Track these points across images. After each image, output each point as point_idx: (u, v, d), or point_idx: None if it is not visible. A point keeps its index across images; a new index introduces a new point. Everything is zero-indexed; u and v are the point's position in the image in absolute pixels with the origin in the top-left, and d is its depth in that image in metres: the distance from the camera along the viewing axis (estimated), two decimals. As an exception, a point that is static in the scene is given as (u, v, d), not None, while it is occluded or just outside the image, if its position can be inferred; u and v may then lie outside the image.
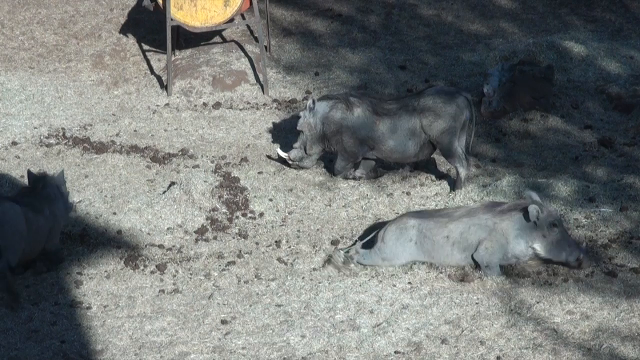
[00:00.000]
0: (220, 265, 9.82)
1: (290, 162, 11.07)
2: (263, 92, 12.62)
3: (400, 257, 9.61)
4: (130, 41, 13.47)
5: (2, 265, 8.98)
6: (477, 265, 9.47)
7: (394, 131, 10.75)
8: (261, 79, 12.66)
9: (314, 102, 10.90)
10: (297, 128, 10.95)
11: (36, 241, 9.30)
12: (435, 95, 10.64)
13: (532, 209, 9.22)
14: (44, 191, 9.45)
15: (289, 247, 10.03)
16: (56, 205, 9.49)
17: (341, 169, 10.97)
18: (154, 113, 12.31)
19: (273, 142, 11.72)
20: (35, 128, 11.85)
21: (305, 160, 11.07)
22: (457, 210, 9.63)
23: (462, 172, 10.66)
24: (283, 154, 11.07)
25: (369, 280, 9.48)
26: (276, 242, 10.13)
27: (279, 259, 9.89)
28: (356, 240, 9.92)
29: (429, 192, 10.82)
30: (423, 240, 9.54)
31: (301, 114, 10.97)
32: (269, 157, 11.30)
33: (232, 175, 10.95)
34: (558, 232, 9.32)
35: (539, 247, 9.36)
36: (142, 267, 9.81)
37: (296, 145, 11.04)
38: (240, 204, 10.56)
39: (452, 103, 10.59)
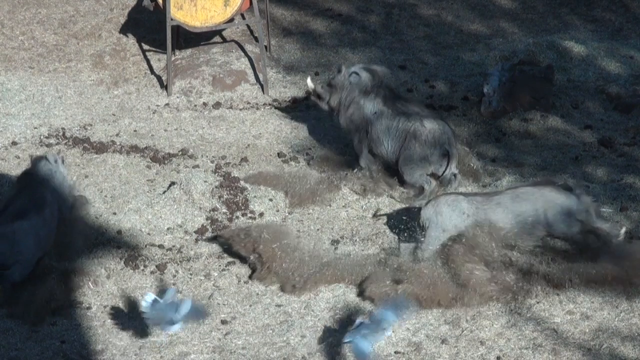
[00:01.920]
0: (220, 265, 9.82)
1: (312, 95, 11.27)
2: (263, 92, 12.62)
3: (459, 226, 9.61)
4: (130, 41, 13.47)
5: (14, 278, 9.20)
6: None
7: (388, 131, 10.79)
8: (261, 79, 12.66)
9: (359, 71, 10.95)
10: (331, 81, 11.10)
11: (49, 234, 9.51)
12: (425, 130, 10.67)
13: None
14: (42, 172, 9.72)
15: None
16: (58, 187, 9.73)
17: (357, 149, 11.00)
18: (154, 113, 12.31)
19: (273, 142, 11.73)
20: (35, 128, 11.85)
21: (322, 103, 11.20)
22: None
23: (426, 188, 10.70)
24: (311, 84, 11.25)
25: (369, 280, 9.49)
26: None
27: (279, 259, 9.88)
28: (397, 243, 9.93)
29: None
30: (475, 211, 9.58)
31: (343, 68, 11.04)
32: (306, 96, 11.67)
33: (232, 175, 10.95)
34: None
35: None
36: (142, 267, 9.81)
37: (325, 87, 11.17)
38: (240, 204, 10.56)
39: (434, 148, 10.64)
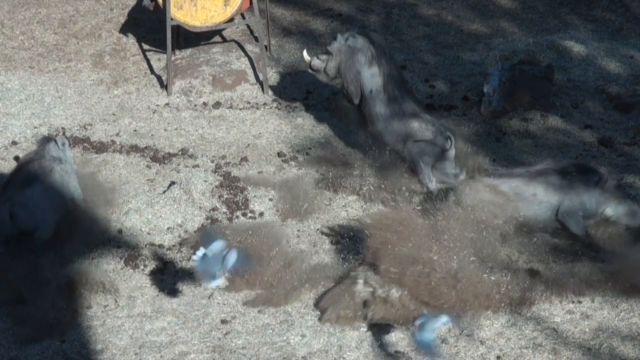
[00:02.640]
0: (220, 265, 9.81)
1: (309, 68, 11.28)
2: (263, 91, 12.62)
3: None
4: (130, 41, 13.47)
5: (42, 238, 9.59)
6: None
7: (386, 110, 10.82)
8: (261, 79, 12.66)
9: (355, 36, 10.96)
10: (327, 48, 11.09)
11: (62, 200, 9.86)
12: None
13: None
14: (51, 152, 10.09)
15: (289, 247, 10.02)
16: (66, 167, 10.09)
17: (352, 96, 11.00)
18: (154, 113, 12.31)
19: (273, 142, 11.73)
20: (35, 128, 11.85)
21: (321, 75, 11.25)
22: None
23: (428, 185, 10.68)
24: (307, 57, 11.26)
25: (369, 280, 9.48)
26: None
27: (279, 259, 9.88)
28: None
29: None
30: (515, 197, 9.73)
31: (339, 36, 11.02)
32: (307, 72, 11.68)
33: (232, 175, 10.95)
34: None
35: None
36: (142, 267, 9.81)
37: (322, 57, 11.14)
38: (240, 204, 10.56)
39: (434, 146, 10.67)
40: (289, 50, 13.48)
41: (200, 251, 8.76)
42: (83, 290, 9.39)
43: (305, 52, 11.38)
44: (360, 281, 9.09)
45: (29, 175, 9.85)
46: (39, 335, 8.85)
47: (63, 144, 10.23)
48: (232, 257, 8.70)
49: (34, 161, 9.99)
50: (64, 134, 11.67)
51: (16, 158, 10.94)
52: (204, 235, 9.24)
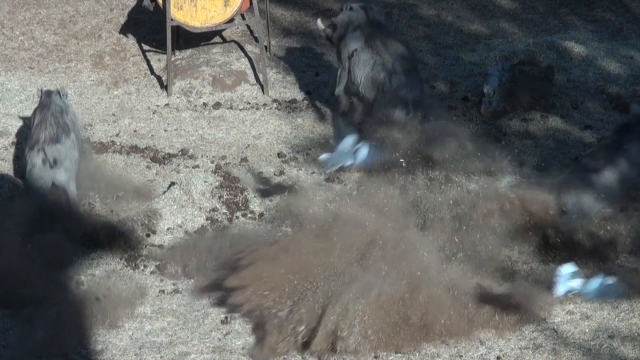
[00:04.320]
0: (220, 265, 9.82)
1: (323, 34, 11.82)
2: (263, 92, 12.62)
3: None
4: (130, 41, 13.47)
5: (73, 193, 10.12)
6: None
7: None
8: (261, 79, 12.66)
9: (354, 7, 11.52)
10: (332, 19, 11.69)
11: (78, 158, 10.45)
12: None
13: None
14: (57, 104, 10.66)
15: (289, 247, 10.01)
16: (72, 118, 10.70)
17: (339, 82, 11.52)
18: (154, 113, 12.31)
19: (273, 142, 11.73)
20: (35, 128, 11.84)
21: (330, 43, 11.82)
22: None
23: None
24: (320, 25, 11.76)
25: (369, 280, 9.47)
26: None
27: (279, 259, 9.87)
28: None
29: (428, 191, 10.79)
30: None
31: (344, 6, 11.62)
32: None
33: (232, 175, 10.95)
34: None
35: None
36: (142, 267, 9.81)
37: (331, 26, 11.67)
38: (240, 204, 10.56)
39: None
40: (289, 50, 13.48)
41: (327, 154, 8.86)
42: (83, 291, 9.40)
43: (319, 21, 11.86)
44: None
45: (53, 129, 10.39)
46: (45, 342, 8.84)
47: (65, 95, 10.73)
48: (364, 151, 8.68)
49: (49, 113, 10.51)
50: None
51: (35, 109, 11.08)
52: (336, 131, 9.32)
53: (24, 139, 11.10)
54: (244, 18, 13.29)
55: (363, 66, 11.30)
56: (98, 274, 9.68)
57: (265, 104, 12.43)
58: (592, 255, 9.47)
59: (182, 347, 8.80)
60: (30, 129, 10.67)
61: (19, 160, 11.08)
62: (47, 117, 10.47)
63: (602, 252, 9.58)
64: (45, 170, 10.15)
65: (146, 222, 10.10)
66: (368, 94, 11.29)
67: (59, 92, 10.75)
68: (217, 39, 13.50)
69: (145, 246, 10.02)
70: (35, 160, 10.20)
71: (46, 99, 10.68)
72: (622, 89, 12.37)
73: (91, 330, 8.91)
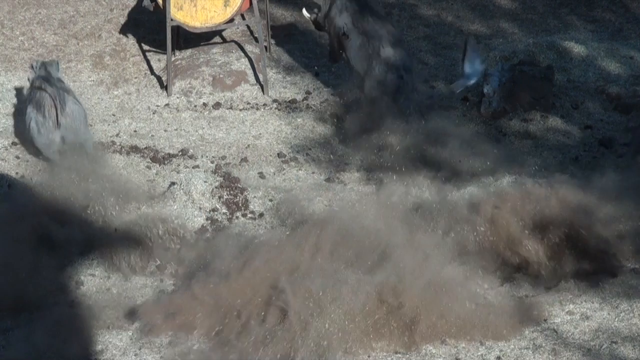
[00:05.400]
0: (220, 266, 9.80)
1: (311, 20, 12.33)
2: (263, 92, 12.62)
3: None
4: (130, 41, 13.47)
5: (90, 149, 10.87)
6: None
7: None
8: (261, 79, 12.66)
9: None
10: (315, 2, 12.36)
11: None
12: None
13: None
14: (54, 75, 11.27)
15: (289, 247, 10.00)
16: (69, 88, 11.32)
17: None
18: (154, 113, 12.31)
19: (273, 142, 11.73)
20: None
21: (321, 28, 12.26)
22: None
23: None
24: (306, 14, 12.26)
25: (369, 280, 9.46)
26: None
27: (279, 259, 9.86)
28: None
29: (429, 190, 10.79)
30: None
31: None
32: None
33: (232, 176, 10.95)
34: None
35: None
36: (141, 267, 9.80)
37: (313, 14, 12.19)
38: (240, 205, 10.56)
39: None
40: (289, 50, 13.48)
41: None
42: (83, 292, 9.40)
43: (304, 10, 12.33)
44: None
45: (62, 97, 10.96)
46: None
47: (58, 65, 11.38)
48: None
49: (51, 85, 11.08)
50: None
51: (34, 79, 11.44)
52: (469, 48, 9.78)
53: (23, 104, 11.60)
54: (244, 18, 13.29)
55: (353, 44, 11.63)
56: (98, 274, 9.68)
57: (265, 104, 12.43)
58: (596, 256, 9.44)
59: (182, 347, 8.79)
60: (28, 97, 11.30)
61: (21, 122, 11.46)
62: (50, 83, 11.06)
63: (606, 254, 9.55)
64: (58, 131, 10.89)
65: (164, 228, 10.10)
66: (359, 68, 11.62)
67: (55, 63, 11.41)
68: (217, 39, 13.49)
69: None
70: (52, 136, 10.85)
71: (44, 68, 11.24)
72: (622, 89, 12.37)
73: (91, 330, 8.91)
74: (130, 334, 8.94)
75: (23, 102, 11.68)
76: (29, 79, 11.51)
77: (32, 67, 11.49)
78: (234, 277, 8.81)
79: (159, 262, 9.77)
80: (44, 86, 11.11)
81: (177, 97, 12.57)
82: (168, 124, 12.11)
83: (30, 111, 11.11)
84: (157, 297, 9.18)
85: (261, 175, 11.06)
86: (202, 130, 11.98)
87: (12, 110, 12.14)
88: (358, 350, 8.45)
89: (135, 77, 12.98)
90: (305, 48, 13.49)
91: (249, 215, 10.46)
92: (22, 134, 11.45)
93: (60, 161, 10.71)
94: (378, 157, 11.08)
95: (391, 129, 11.08)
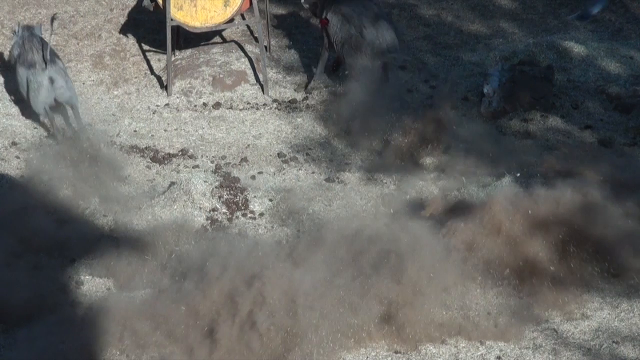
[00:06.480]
0: (220, 265, 9.79)
1: (306, 7, 12.68)
2: (263, 92, 12.62)
3: None
4: (130, 41, 13.46)
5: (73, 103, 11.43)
6: None
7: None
8: (261, 79, 12.66)
9: None
10: None
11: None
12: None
13: None
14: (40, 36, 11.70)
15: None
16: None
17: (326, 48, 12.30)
18: (154, 113, 12.31)
19: (273, 142, 11.73)
20: (35, 128, 11.85)
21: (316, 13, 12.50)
22: None
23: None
24: (303, 2, 12.53)
25: (369, 280, 9.46)
26: (276, 242, 10.12)
27: (279, 259, 9.86)
28: None
29: (428, 191, 10.80)
30: None
31: None
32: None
33: (232, 175, 10.95)
34: None
35: None
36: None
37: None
38: (240, 204, 10.56)
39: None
40: (289, 50, 13.48)
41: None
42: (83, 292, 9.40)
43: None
44: None
45: (46, 46, 11.37)
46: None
47: (41, 27, 11.91)
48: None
49: (35, 40, 11.56)
50: (64, 135, 11.64)
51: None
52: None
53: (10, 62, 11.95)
54: (244, 18, 13.29)
55: (339, 30, 11.95)
56: (98, 274, 9.69)
57: (265, 104, 12.43)
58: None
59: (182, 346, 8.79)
60: (15, 58, 11.63)
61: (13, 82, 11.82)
62: (39, 43, 11.52)
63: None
64: (51, 88, 11.35)
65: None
66: (346, 53, 11.95)
67: (38, 26, 11.89)
68: (217, 39, 13.49)
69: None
70: (41, 78, 11.29)
71: (28, 31, 11.70)
72: (622, 89, 12.37)
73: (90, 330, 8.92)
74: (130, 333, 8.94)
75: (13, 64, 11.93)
76: (13, 44, 11.82)
77: (14, 32, 11.88)
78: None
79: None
80: (27, 42, 11.53)
81: (177, 97, 12.57)
82: (168, 124, 12.11)
83: (19, 67, 11.52)
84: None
85: (261, 175, 11.07)
86: (202, 130, 11.98)
87: (11, 109, 12.16)
88: (358, 349, 8.47)
89: (135, 77, 12.98)
90: (305, 48, 13.49)
91: (249, 215, 10.47)
92: (16, 94, 11.91)
93: (60, 149, 10.99)
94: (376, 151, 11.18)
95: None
